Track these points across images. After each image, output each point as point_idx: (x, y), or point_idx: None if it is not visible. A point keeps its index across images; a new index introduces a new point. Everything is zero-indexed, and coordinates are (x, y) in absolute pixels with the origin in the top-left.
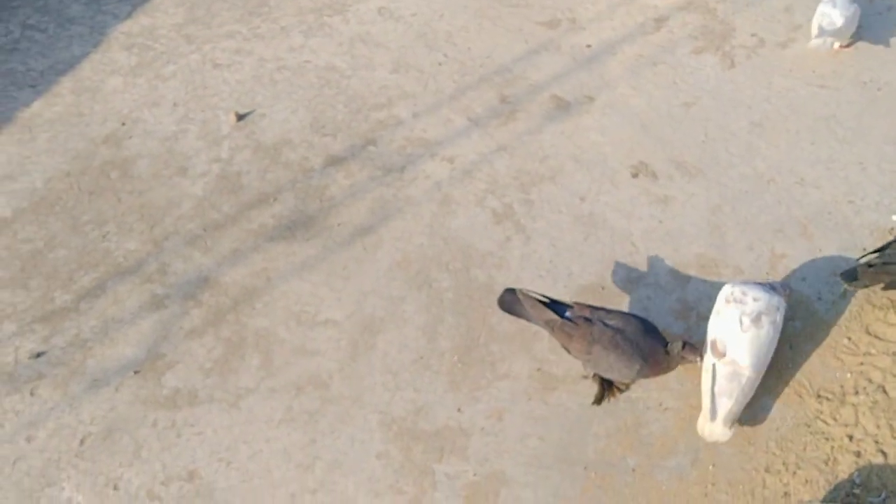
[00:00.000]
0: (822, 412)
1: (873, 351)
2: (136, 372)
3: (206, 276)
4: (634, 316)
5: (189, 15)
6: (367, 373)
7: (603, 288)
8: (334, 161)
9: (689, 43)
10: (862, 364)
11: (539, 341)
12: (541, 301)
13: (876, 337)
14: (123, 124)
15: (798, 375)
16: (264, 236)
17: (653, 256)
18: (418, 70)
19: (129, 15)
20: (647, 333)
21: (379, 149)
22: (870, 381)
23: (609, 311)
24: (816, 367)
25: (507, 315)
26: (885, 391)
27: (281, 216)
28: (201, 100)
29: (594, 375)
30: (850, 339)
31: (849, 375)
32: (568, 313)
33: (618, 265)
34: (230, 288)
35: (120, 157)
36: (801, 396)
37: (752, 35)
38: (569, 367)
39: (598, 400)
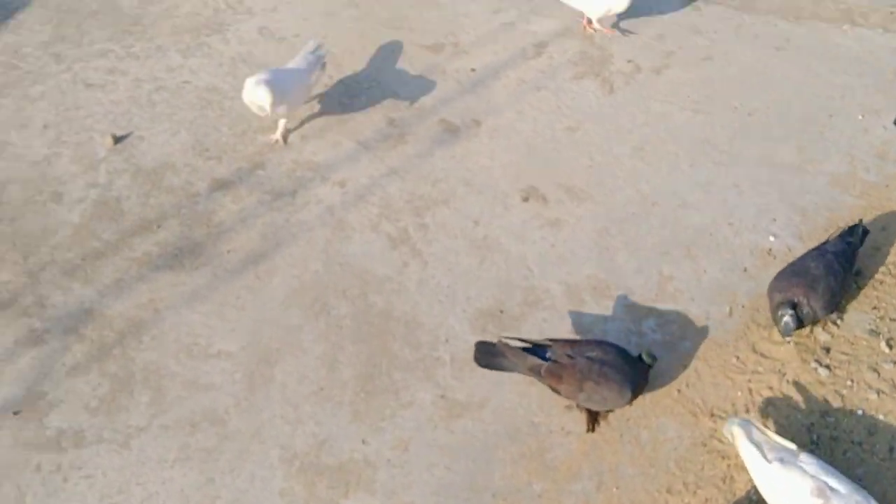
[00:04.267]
0: (716, 431)
1: (760, 369)
2: (15, 413)
3: (87, 309)
4: (608, 343)
5: (56, 33)
6: (265, 406)
7: (501, 312)
8: (221, 185)
9: (569, 68)
10: (751, 382)
11: (441, 367)
12: (520, 347)
13: (762, 355)
14: None
15: (692, 395)
16: (149, 265)
17: (547, 279)
18: None
19: None
20: (626, 358)
21: (268, 172)
22: (760, 397)
23: (587, 343)
24: (709, 387)
25: (408, 341)
26: (775, 407)
27: (166, 243)
28: (74, 122)
29: (578, 405)
30: (738, 357)
31: (739, 394)
32: (548, 354)
33: (514, 288)
34: (115, 320)
35: None
36: (696, 416)
37: (629, 61)
38: (472, 394)
39: (592, 427)
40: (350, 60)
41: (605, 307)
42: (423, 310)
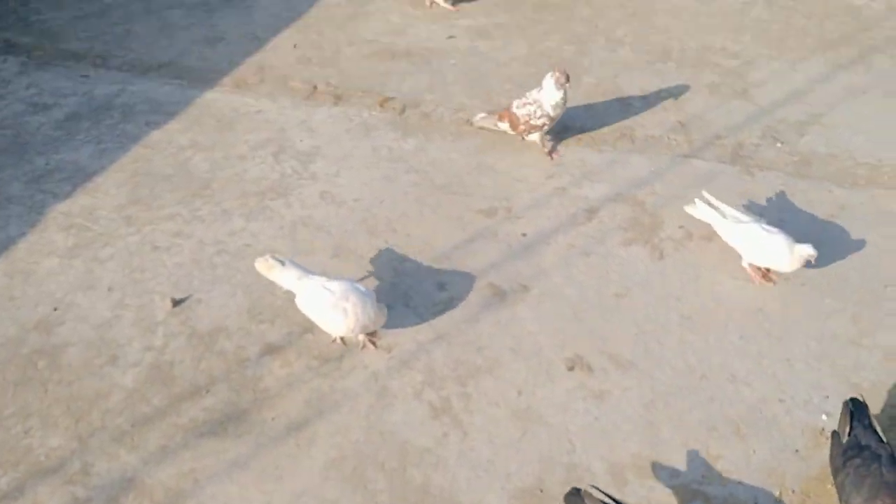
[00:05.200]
0: None
1: None
2: None
3: (130, 478)
4: None
5: (131, 195)
6: None
7: (541, 490)
8: (271, 350)
9: (619, 234)
10: None
11: None
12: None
13: None
14: (56, 309)
15: None
16: (194, 432)
17: (589, 456)
18: (358, 255)
19: (69, 195)
20: None
21: (316, 336)
22: None
23: None
24: None
25: None
26: None
27: (213, 410)
28: (138, 284)
29: None
30: None
31: None
32: None
33: (555, 465)
34: (155, 491)
35: (50, 344)
36: None
37: (680, 227)
38: None
39: None
40: (404, 224)
41: (648, 487)
42: (461, 486)
